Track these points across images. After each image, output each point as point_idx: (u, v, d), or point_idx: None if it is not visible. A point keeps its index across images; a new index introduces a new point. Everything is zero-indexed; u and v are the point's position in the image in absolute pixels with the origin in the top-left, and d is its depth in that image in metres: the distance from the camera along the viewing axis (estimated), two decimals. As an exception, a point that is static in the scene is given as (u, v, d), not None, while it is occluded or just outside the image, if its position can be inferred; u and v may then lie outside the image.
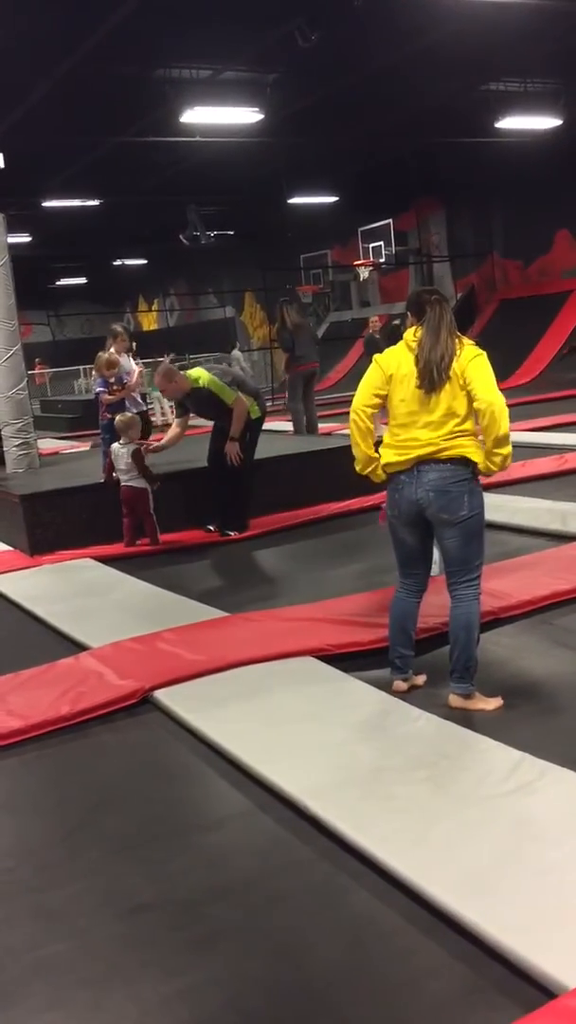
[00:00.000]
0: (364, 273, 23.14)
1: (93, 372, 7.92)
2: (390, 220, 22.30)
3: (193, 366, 7.69)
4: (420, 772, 3.10)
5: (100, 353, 7.86)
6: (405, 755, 3.24)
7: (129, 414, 7.13)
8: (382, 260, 22.73)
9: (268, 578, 6.34)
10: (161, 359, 8.67)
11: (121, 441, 6.92)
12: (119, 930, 2.50)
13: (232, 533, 7.13)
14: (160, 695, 3.98)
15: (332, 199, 22.02)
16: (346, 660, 4.26)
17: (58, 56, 11.11)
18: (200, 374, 6.97)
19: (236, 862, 2.80)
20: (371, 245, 22.99)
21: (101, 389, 7.77)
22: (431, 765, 3.14)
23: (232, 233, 25.34)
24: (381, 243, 22.68)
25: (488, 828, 2.73)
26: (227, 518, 7.20)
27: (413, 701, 3.71)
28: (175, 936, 2.45)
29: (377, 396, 3.73)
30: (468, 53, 12.40)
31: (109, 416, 7.72)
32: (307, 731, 3.54)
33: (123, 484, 6.91)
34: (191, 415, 7.26)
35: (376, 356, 3.79)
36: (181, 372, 7.04)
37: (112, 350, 7.98)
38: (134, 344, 14.82)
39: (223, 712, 3.77)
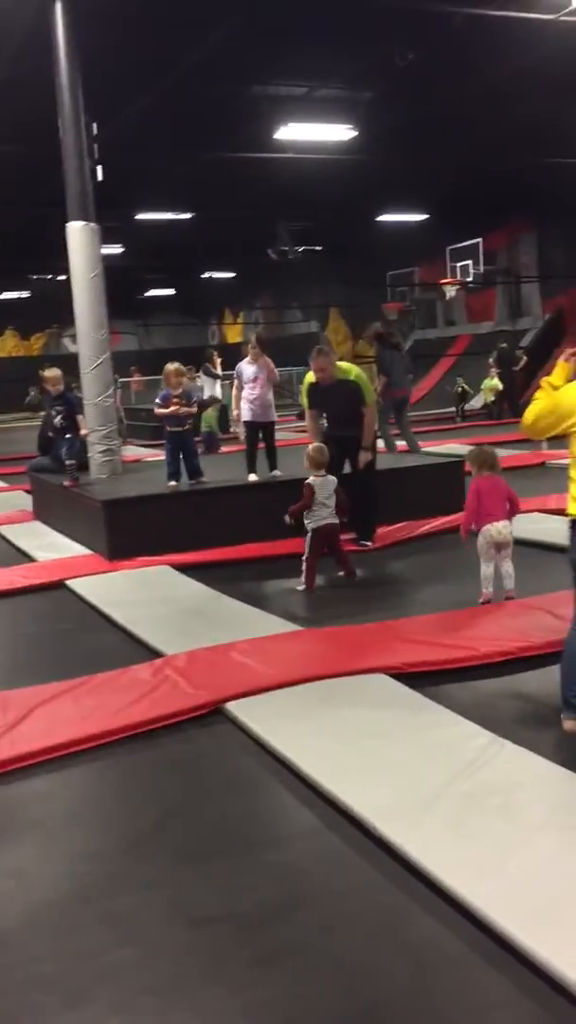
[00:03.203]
0: (451, 292, 23.02)
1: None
2: (479, 239, 22.15)
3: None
4: (492, 799, 3.04)
5: (168, 364, 7.92)
6: (477, 780, 3.19)
7: (311, 448, 6.40)
8: (469, 279, 22.58)
9: (350, 594, 6.28)
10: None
11: (319, 472, 6.25)
12: (185, 941, 2.51)
13: (368, 543, 7.19)
14: (232, 707, 3.99)
15: (421, 217, 21.97)
16: (419, 679, 4.21)
17: (158, 72, 11.34)
18: (352, 368, 6.98)
19: (302, 880, 2.78)
20: (459, 264, 22.86)
21: (159, 401, 7.80)
22: (504, 793, 3.08)
23: (320, 248, 25.45)
24: (469, 262, 22.53)
25: (560, 861, 2.66)
26: (360, 528, 7.18)
27: (495, 728, 3.63)
28: (240, 951, 2.45)
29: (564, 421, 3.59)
30: (565, 72, 12.28)
31: (170, 429, 7.76)
32: (377, 750, 3.51)
33: (325, 522, 6.19)
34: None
35: (563, 387, 3.65)
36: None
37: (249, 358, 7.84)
38: (216, 355, 15.00)
39: (294, 726, 3.76)
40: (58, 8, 8.29)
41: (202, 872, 2.86)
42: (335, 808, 3.14)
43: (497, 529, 5.31)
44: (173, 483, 7.74)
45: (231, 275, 31.69)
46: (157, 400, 7.92)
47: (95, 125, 8.63)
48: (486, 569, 5.38)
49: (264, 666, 4.41)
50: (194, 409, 7.94)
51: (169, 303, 35.01)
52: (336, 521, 6.27)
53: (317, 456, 6.28)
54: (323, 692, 4.12)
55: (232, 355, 19.90)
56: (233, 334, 35.25)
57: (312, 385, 7.14)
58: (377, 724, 3.74)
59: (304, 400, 7.34)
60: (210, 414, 12.67)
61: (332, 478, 6.31)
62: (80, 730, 3.84)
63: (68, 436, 8.76)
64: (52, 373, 9.04)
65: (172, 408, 7.68)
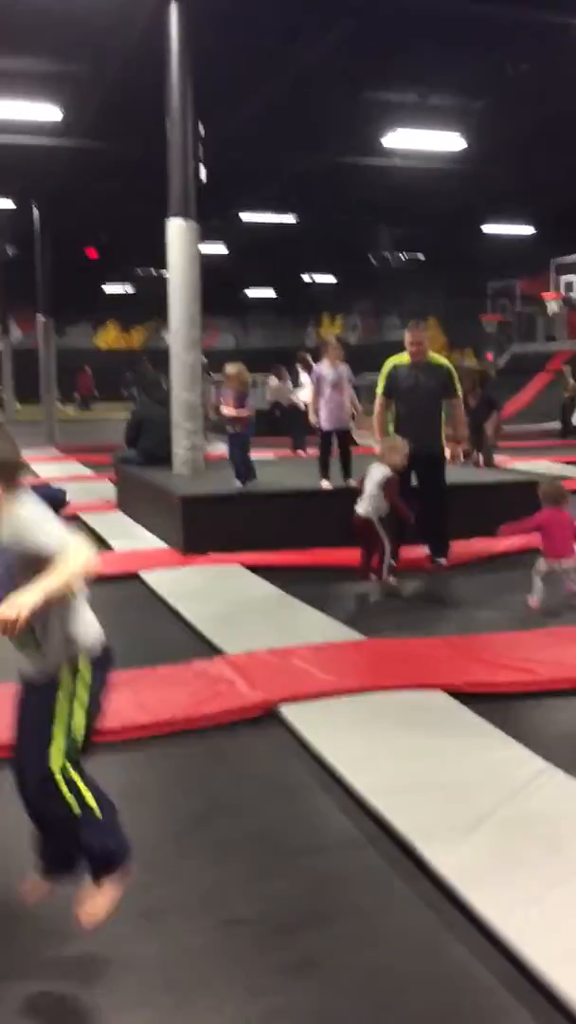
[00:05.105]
0: (553, 307, 22.60)
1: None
2: (587, 254, 21.70)
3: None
4: (538, 829, 2.98)
5: (229, 365, 7.97)
6: (525, 808, 3.12)
7: (400, 440, 6.32)
8: (573, 294, 22.14)
9: (417, 607, 6.23)
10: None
11: (378, 464, 6.21)
12: (212, 940, 2.51)
13: (443, 561, 6.92)
14: (285, 710, 3.99)
15: (528, 230, 21.63)
16: (477, 699, 4.14)
17: (269, 74, 11.41)
18: (443, 358, 7.02)
19: (336, 892, 2.76)
20: (564, 279, 22.43)
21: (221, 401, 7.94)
22: (551, 823, 3.01)
23: (422, 256, 25.28)
24: (574, 277, 22.09)
25: (602, 901, 2.59)
26: (434, 544, 6.94)
27: (549, 756, 3.55)
28: (266, 957, 2.44)
29: None
30: None
31: (228, 430, 7.86)
32: (426, 767, 3.46)
33: (357, 512, 6.19)
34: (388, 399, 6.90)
35: None
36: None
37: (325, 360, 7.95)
38: (309, 356, 15.03)
39: (345, 737, 3.75)
40: (173, 9, 8.43)
41: (237, 873, 2.86)
42: (377, 822, 3.11)
43: (561, 566, 5.51)
44: (239, 482, 7.83)
45: (331, 279, 31.71)
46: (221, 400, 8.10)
47: (201, 126, 8.72)
48: (539, 583, 5.55)
49: (322, 673, 4.40)
50: (245, 412, 7.89)
51: (268, 303, 35.27)
52: (369, 517, 6.06)
53: (382, 446, 6.25)
54: (379, 704, 4.09)
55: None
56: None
57: (395, 369, 6.82)
58: (429, 741, 3.70)
59: (380, 385, 6.92)
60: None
61: (382, 468, 6.10)
62: (135, 719, 3.89)
63: None
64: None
65: (230, 406, 7.88)
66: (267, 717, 4.01)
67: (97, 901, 2.36)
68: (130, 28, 9.48)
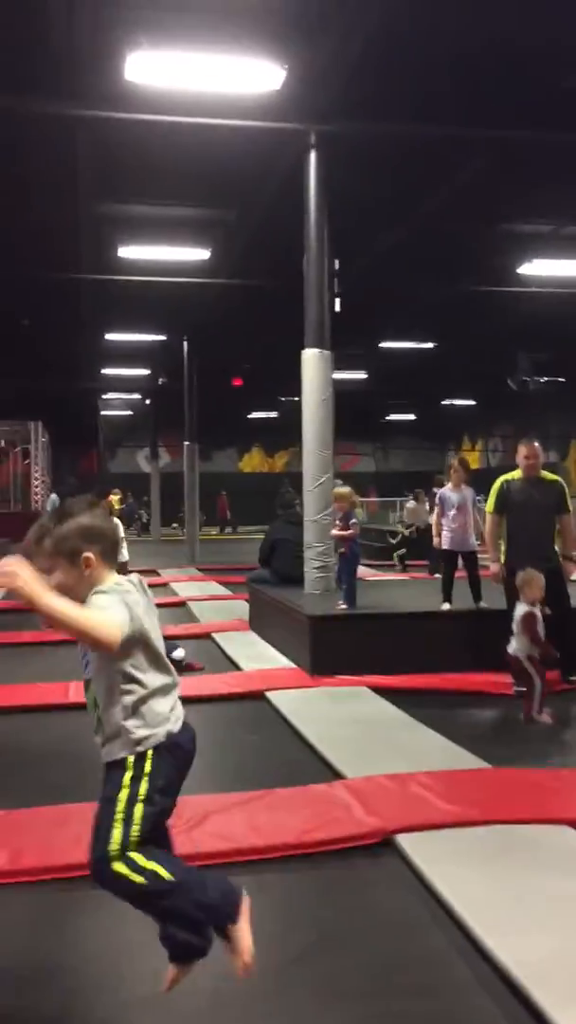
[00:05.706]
0: None
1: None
2: None
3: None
4: None
5: (337, 487, 8.06)
6: None
7: (536, 573, 6.15)
8: None
9: (548, 734, 5.97)
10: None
11: (520, 602, 6.11)
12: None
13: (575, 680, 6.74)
14: (402, 839, 3.86)
15: None
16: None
17: (405, 210, 11.88)
18: (556, 476, 6.96)
19: (443, 1037, 2.61)
20: None
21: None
22: None
23: (562, 379, 25.16)
24: None
25: None
26: (565, 662, 6.65)
27: None
28: None
29: None
30: None
31: (339, 552, 7.86)
32: (548, 910, 3.26)
33: (508, 651, 6.10)
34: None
35: None
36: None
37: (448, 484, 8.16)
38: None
39: (463, 871, 3.58)
40: (312, 156, 8.96)
41: (340, 1012, 2.74)
42: (493, 966, 2.94)
43: None
44: (343, 605, 7.65)
45: (471, 402, 31.89)
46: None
47: (337, 261, 9.12)
48: None
49: (443, 801, 4.25)
50: (348, 532, 7.80)
51: (408, 427, 35.67)
52: (512, 652, 6.03)
53: (517, 582, 6.20)
54: (501, 837, 3.90)
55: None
56: (471, 461, 35.19)
57: (507, 485, 6.84)
58: (552, 881, 3.49)
59: (491, 503, 6.90)
60: None
61: (523, 605, 6.06)
62: (248, 842, 3.85)
63: None
64: None
65: (335, 531, 7.97)
66: (383, 846, 3.89)
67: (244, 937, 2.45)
68: (272, 176, 10.12)
